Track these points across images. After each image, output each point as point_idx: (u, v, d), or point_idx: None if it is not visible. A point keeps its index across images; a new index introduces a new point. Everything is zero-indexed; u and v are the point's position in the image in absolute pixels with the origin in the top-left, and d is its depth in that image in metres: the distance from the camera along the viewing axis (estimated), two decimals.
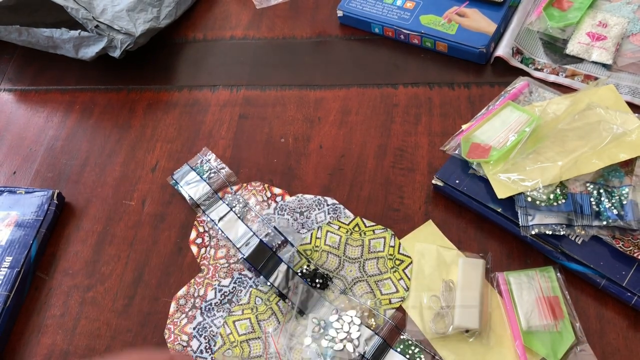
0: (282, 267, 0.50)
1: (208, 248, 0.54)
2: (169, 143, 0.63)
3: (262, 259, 0.51)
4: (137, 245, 0.56)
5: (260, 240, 0.52)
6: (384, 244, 0.52)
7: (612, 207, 0.47)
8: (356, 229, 0.53)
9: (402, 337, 0.47)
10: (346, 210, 0.55)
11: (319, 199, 0.55)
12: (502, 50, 0.61)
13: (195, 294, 0.51)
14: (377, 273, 0.50)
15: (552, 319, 0.45)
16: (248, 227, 0.54)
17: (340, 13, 0.68)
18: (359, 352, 0.46)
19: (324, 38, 0.69)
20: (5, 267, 0.54)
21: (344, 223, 0.53)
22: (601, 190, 0.48)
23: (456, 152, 0.53)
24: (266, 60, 0.68)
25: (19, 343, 0.52)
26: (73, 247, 0.57)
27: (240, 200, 0.56)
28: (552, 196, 0.48)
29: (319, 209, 0.55)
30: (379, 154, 0.58)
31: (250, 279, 0.51)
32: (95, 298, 0.53)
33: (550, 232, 0.47)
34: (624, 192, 0.48)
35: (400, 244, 0.52)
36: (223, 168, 0.59)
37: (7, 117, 0.69)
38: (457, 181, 0.52)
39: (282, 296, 0.50)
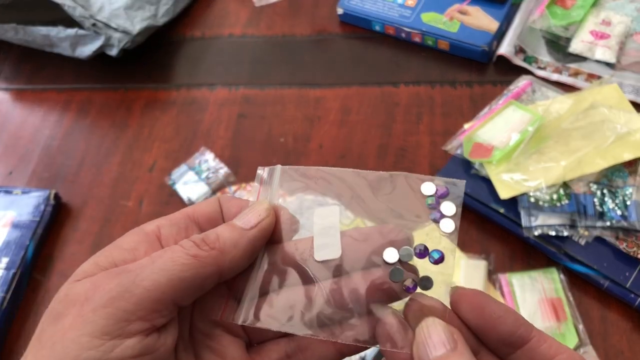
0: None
1: None
2: (166, 142, 0.62)
3: None
4: None
5: None
6: None
7: (616, 208, 0.47)
8: None
9: None
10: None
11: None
12: (505, 48, 0.60)
13: None
14: None
15: (555, 320, 0.45)
16: None
17: (340, 11, 0.67)
18: (360, 355, 0.46)
19: (324, 36, 0.68)
20: (1, 269, 0.53)
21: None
22: (605, 191, 0.48)
23: (458, 151, 0.53)
24: (265, 59, 0.67)
25: (16, 345, 0.51)
26: (70, 248, 0.56)
27: None
28: (555, 196, 0.48)
29: None
30: (380, 154, 0.57)
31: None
32: None
33: (554, 233, 0.47)
34: (627, 192, 0.47)
35: None
36: (222, 168, 0.58)
37: (3, 117, 0.68)
38: None
39: None
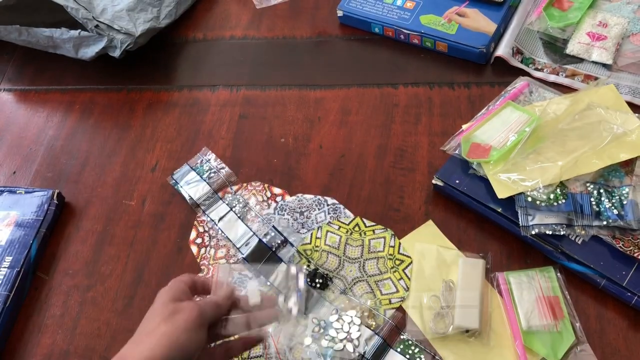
0: (282, 267, 0.50)
1: (208, 248, 0.54)
2: (168, 143, 0.63)
3: (262, 259, 0.51)
4: (137, 245, 0.56)
5: (260, 240, 0.52)
6: (384, 244, 0.52)
7: (612, 207, 0.47)
8: (356, 229, 0.53)
9: (402, 337, 0.47)
10: (346, 210, 0.55)
11: (319, 199, 0.55)
12: (502, 50, 0.61)
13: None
14: (377, 273, 0.50)
15: (552, 318, 0.45)
16: (248, 227, 0.54)
17: (340, 13, 0.68)
18: (359, 352, 0.46)
19: (324, 38, 0.69)
20: (5, 267, 0.54)
21: (344, 223, 0.53)
22: (601, 190, 0.48)
23: (456, 152, 0.53)
24: (266, 60, 0.68)
25: (19, 343, 0.52)
26: (73, 247, 0.57)
27: (240, 200, 0.56)
28: (552, 196, 0.48)
29: (319, 209, 0.55)
30: (379, 154, 0.58)
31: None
32: (95, 298, 0.53)
33: (551, 232, 0.47)
34: (624, 192, 0.48)
35: (400, 244, 0.52)
36: (223, 168, 0.59)
37: (6, 117, 0.69)
38: (457, 181, 0.52)
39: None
